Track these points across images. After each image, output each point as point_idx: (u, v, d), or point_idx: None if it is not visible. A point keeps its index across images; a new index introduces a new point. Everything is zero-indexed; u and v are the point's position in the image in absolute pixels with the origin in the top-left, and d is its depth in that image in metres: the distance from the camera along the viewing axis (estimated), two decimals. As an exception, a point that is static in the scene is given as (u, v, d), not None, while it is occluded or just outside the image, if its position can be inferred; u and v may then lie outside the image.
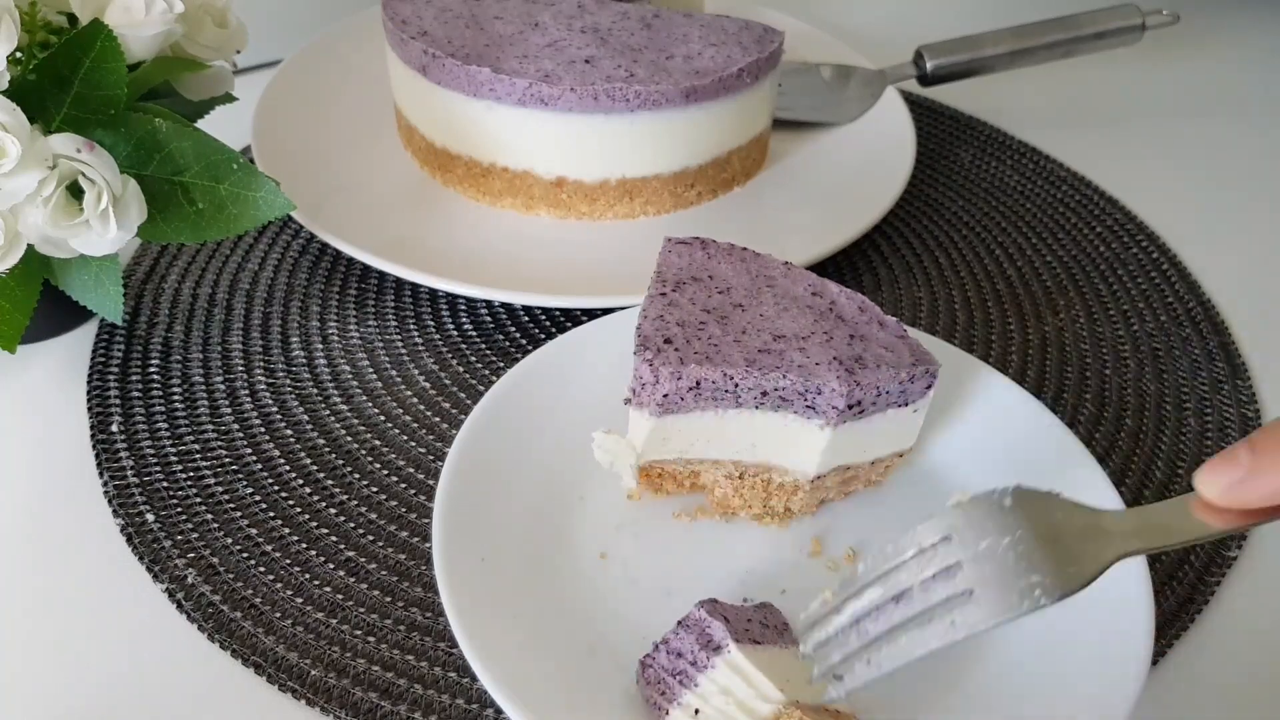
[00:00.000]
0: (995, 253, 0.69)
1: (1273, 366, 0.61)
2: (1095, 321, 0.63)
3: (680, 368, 0.42)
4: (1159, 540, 0.32)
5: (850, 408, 0.43)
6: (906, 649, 0.32)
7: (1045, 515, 0.32)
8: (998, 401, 0.50)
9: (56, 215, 0.46)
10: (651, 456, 0.46)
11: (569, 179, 0.63)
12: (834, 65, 0.76)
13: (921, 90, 0.78)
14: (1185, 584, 0.49)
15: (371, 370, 0.58)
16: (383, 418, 0.55)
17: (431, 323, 0.61)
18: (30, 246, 0.48)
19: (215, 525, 0.49)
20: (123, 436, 0.53)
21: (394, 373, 0.57)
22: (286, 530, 0.49)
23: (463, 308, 0.62)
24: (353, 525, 0.50)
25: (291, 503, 0.50)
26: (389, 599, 0.47)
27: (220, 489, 0.51)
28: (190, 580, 0.47)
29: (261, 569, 0.47)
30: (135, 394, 0.55)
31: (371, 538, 0.49)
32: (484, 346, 0.59)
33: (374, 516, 0.50)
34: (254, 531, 0.49)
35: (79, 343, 0.58)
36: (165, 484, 0.51)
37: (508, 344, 0.60)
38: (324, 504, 0.51)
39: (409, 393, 0.56)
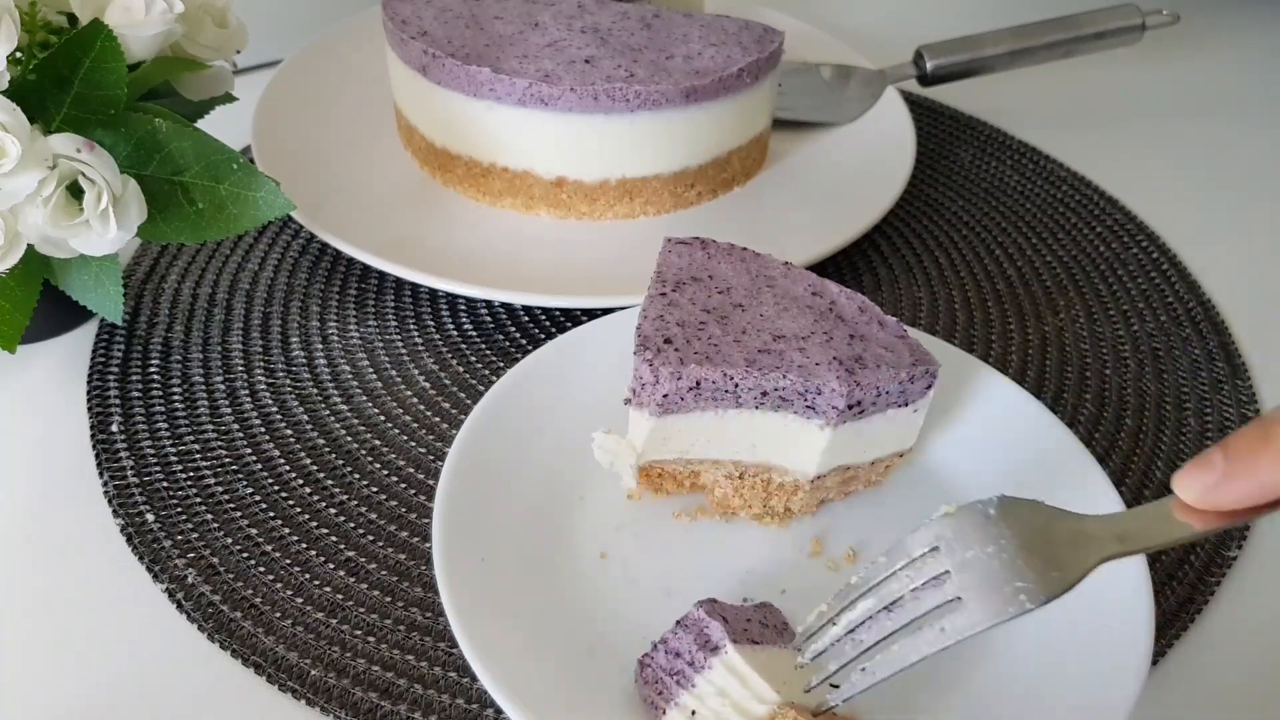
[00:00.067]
0: (995, 253, 0.69)
1: (1273, 366, 0.61)
2: (1095, 321, 0.63)
3: (680, 368, 0.42)
4: (1141, 543, 0.33)
5: (850, 408, 0.43)
6: (900, 656, 0.33)
7: (1029, 522, 0.34)
8: (998, 401, 0.50)
9: (56, 215, 0.46)
10: (651, 456, 0.46)
11: (569, 179, 0.63)
12: (834, 65, 0.76)
13: (921, 90, 0.78)
14: (1185, 584, 0.49)
15: (371, 370, 0.58)
16: (383, 418, 0.55)
17: (431, 323, 0.61)
18: (30, 246, 0.48)
19: (215, 525, 0.49)
20: (123, 436, 0.53)
21: (394, 373, 0.57)
22: (286, 530, 0.49)
23: (463, 308, 0.62)
24: (353, 525, 0.50)
25: (291, 503, 0.50)
26: (389, 599, 0.47)
27: (220, 489, 0.51)
28: (190, 580, 0.47)
29: (261, 569, 0.47)
30: (135, 394, 0.55)
31: (371, 538, 0.49)
32: (484, 346, 0.59)
33: (374, 516, 0.50)
34: (254, 531, 0.49)
35: (79, 343, 0.58)
36: (165, 484, 0.51)
37: (508, 344, 0.60)
38: (324, 504, 0.51)
39: (409, 393, 0.56)
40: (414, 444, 0.54)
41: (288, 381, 0.57)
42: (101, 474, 0.51)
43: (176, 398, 0.55)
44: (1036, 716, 0.40)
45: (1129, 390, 0.59)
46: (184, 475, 0.51)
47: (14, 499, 0.51)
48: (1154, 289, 0.66)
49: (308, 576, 0.47)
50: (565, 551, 0.46)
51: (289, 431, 0.54)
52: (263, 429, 0.54)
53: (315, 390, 0.56)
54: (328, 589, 0.47)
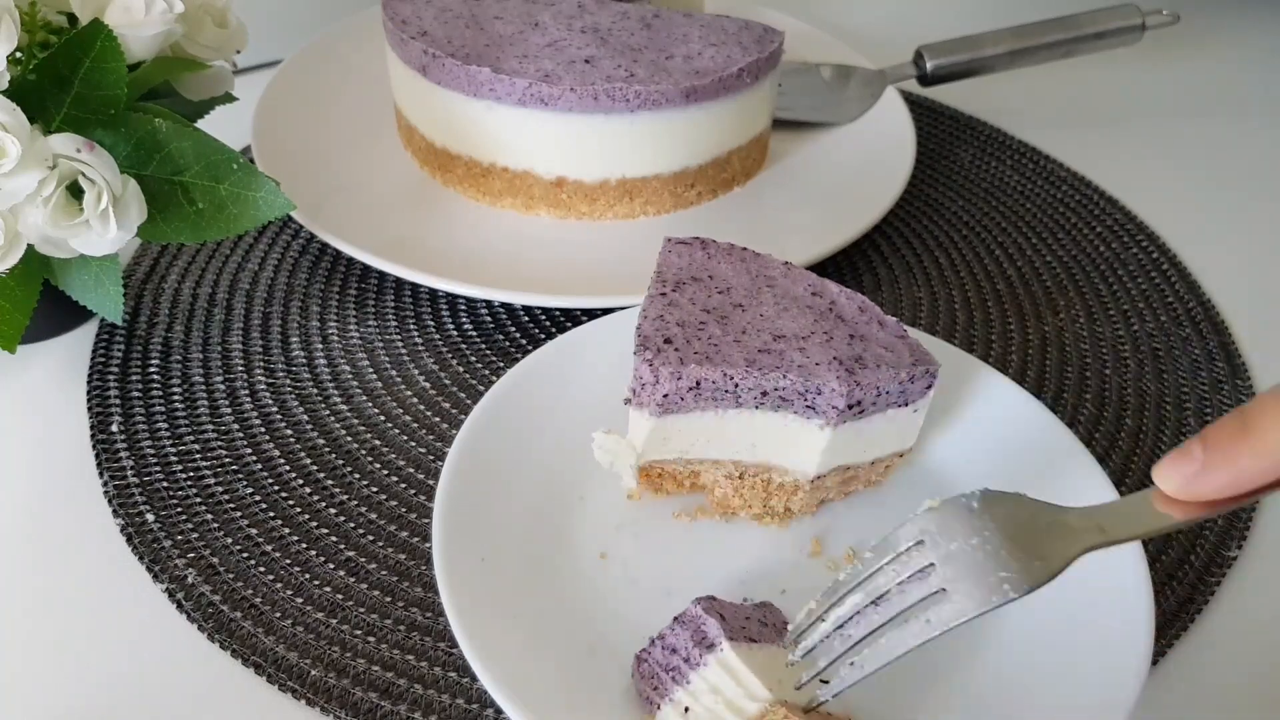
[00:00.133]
0: (995, 253, 0.68)
1: (1273, 366, 0.61)
2: (1095, 321, 0.63)
3: (680, 368, 0.42)
4: (1122, 533, 0.34)
5: (850, 408, 0.43)
6: (887, 649, 0.34)
7: (1012, 514, 0.34)
8: (998, 401, 0.50)
9: (56, 215, 0.46)
10: (651, 456, 0.46)
11: (569, 179, 0.63)
12: (834, 65, 0.76)
13: (921, 90, 0.78)
14: (1185, 584, 0.49)
15: (371, 370, 0.58)
16: (383, 418, 0.55)
17: (431, 323, 0.61)
18: (30, 246, 0.48)
19: (215, 525, 0.49)
20: (123, 436, 0.53)
21: (394, 373, 0.57)
22: (286, 530, 0.49)
23: (463, 308, 0.62)
24: (353, 525, 0.50)
25: (291, 503, 0.50)
26: (389, 599, 0.47)
27: (220, 489, 0.51)
28: (190, 580, 0.47)
29: (261, 569, 0.47)
30: (135, 394, 0.55)
31: (371, 538, 0.49)
32: (484, 346, 0.59)
33: (374, 516, 0.50)
34: (254, 531, 0.49)
35: (79, 343, 0.58)
36: (165, 484, 0.51)
37: (508, 344, 0.60)
38: (324, 504, 0.51)
39: (409, 393, 0.56)
40: (414, 444, 0.54)
41: (288, 381, 0.57)
42: (101, 474, 0.51)
43: (176, 398, 0.55)
44: (1036, 716, 0.40)
45: (1129, 390, 0.59)
46: (184, 475, 0.51)
47: (14, 499, 0.51)
48: (1154, 289, 0.66)
49: (308, 576, 0.47)
50: (565, 551, 0.46)
51: (289, 431, 0.54)
52: (263, 429, 0.54)
53: (315, 390, 0.56)
54: (328, 589, 0.47)
